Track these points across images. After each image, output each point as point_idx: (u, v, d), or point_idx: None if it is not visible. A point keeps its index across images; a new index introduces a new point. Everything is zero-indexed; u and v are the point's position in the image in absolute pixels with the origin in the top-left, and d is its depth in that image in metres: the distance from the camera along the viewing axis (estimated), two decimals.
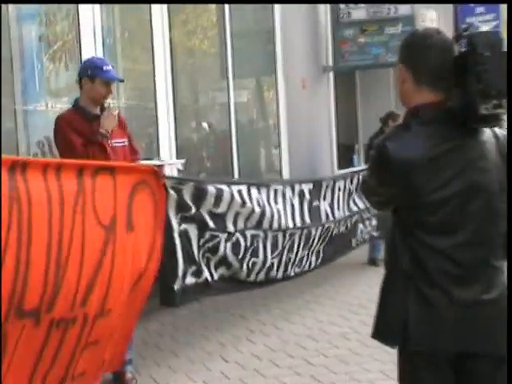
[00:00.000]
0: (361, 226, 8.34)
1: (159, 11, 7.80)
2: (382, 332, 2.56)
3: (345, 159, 10.47)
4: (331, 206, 7.64)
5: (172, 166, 6.52)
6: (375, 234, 8.59)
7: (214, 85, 9.50)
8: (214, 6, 9.36)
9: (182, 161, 7.03)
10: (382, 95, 11.45)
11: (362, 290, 7.49)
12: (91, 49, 6.91)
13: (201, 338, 6.02)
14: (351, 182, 8.16)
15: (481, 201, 2.41)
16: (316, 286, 7.65)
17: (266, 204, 6.55)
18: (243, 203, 6.15)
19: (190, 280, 5.56)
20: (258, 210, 6.34)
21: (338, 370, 5.07)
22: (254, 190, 6.38)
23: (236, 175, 8.90)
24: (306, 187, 7.26)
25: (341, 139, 10.90)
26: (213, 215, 5.84)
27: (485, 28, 13.81)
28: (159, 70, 7.77)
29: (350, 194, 8.09)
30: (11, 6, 6.62)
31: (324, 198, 7.53)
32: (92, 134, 5.18)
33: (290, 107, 9.75)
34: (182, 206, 5.53)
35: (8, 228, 3.48)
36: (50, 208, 3.77)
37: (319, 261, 7.43)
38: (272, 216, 6.54)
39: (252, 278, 6.39)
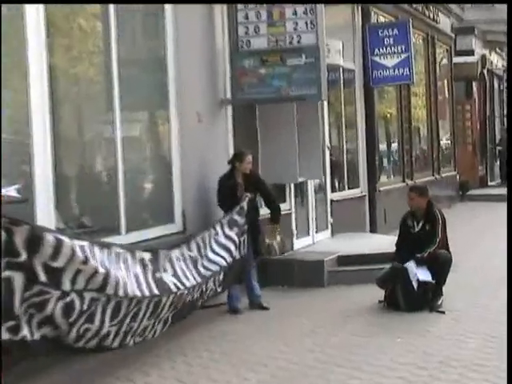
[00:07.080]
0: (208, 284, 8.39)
1: (35, 33, 7.05)
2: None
3: None
4: (176, 276, 7.45)
5: (9, 192, 6.08)
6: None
7: (100, 117, 8.87)
8: (100, 29, 8.67)
9: (16, 186, 6.51)
10: (284, 131, 10.96)
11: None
12: None
13: None
14: (189, 250, 7.92)
15: None
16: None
17: (110, 267, 6.29)
18: (86, 260, 5.87)
19: (4, 336, 5.19)
20: (102, 270, 6.05)
21: None
22: (96, 249, 6.11)
23: (123, 221, 8.27)
24: (147, 255, 7.08)
25: None
26: (47, 268, 5.55)
27: (391, 62, 13.46)
28: (35, 99, 7.16)
29: (195, 261, 7.90)
30: None
31: (165, 270, 7.33)
32: None
33: (184, 143, 9.34)
34: (10, 251, 5.28)
35: None
36: None
37: (165, 328, 7.37)
38: (117, 281, 6.25)
39: (81, 344, 6.12)
